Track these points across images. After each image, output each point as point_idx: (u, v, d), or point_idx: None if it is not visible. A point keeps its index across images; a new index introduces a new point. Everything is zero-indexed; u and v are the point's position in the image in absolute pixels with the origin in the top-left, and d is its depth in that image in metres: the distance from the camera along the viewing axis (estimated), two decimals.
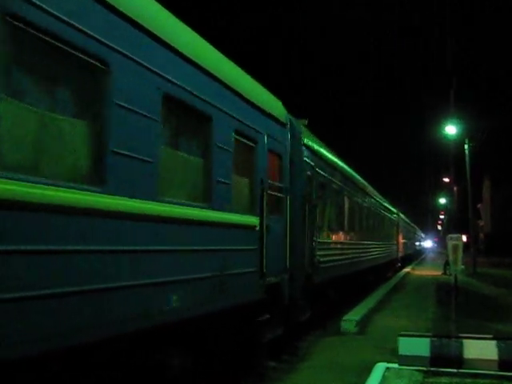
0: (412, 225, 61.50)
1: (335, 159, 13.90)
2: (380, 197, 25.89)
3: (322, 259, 11.22)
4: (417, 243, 73.37)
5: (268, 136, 7.73)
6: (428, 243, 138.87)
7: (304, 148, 10.05)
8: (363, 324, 11.67)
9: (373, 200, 22.06)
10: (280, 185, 8.34)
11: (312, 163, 10.68)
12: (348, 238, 15.00)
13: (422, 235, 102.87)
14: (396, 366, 7.31)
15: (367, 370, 7.29)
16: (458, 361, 6.95)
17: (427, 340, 7.18)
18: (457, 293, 16.97)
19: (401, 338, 7.30)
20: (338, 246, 13.52)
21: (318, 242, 11.07)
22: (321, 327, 12.01)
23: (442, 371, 7.00)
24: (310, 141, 10.69)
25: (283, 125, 8.55)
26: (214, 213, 5.84)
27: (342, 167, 14.83)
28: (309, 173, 10.40)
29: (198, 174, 5.75)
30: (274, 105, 8.36)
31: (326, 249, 11.88)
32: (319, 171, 11.43)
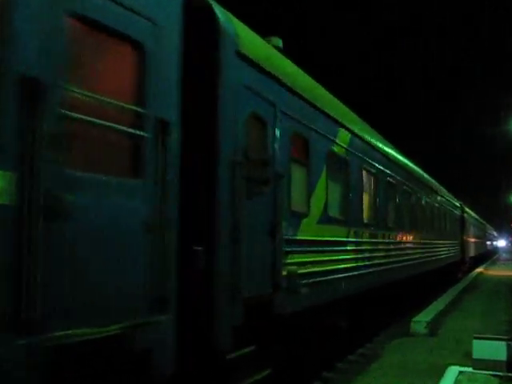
0: (482, 222, 54.57)
1: (336, 109, 8.57)
2: (430, 180, 19.46)
3: (301, 271, 6.43)
4: (488, 242, 66.35)
5: None
6: (502, 242, 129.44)
7: (243, 64, 5.27)
8: (434, 325, 10.89)
9: (415, 183, 15.23)
10: (133, 108, 3.68)
11: (269, 97, 5.82)
12: (366, 234, 9.62)
13: (495, 234, 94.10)
14: (470, 369, 6.89)
15: (439, 374, 6.86)
16: None
17: (503, 343, 6.79)
18: None
19: (475, 341, 6.95)
20: (346, 247, 8.51)
21: (292, 240, 6.32)
22: None
23: None
24: (263, 57, 5.84)
25: None
26: None
27: (352, 124, 9.16)
28: (259, 113, 5.60)
29: None
30: None
31: (314, 252, 7.03)
32: (294, 116, 6.57)
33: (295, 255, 6.30)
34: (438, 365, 7.56)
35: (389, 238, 11.46)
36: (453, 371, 7.01)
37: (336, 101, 8.82)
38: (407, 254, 13.33)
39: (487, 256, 57.18)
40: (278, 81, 6.06)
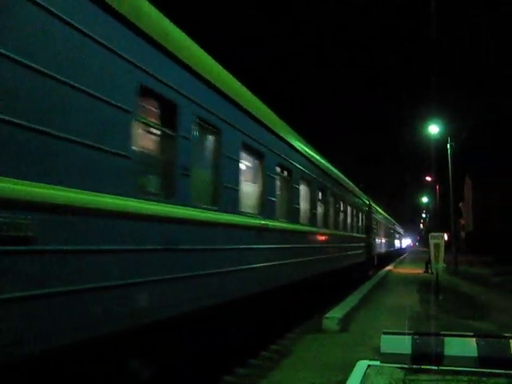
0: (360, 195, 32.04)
1: None
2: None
3: None
4: (381, 240, 44.01)
5: None
6: (408, 241, 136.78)
7: None
8: (345, 322, 11.11)
9: None
10: None
11: None
12: None
13: (400, 230, 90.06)
14: (378, 363, 7.11)
15: (350, 368, 7.05)
16: (439, 358, 6.85)
17: (409, 338, 7.10)
18: (438, 291, 16.48)
19: (383, 336, 7.23)
20: None
21: None
22: None
23: (423, 368, 6.84)
24: None
25: None
26: None
27: None
28: None
29: None
30: None
31: None
32: None
33: None
34: (349, 359, 7.70)
35: None
36: (362, 365, 7.15)
37: None
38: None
39: (393, 255, 43.60)
40: None
